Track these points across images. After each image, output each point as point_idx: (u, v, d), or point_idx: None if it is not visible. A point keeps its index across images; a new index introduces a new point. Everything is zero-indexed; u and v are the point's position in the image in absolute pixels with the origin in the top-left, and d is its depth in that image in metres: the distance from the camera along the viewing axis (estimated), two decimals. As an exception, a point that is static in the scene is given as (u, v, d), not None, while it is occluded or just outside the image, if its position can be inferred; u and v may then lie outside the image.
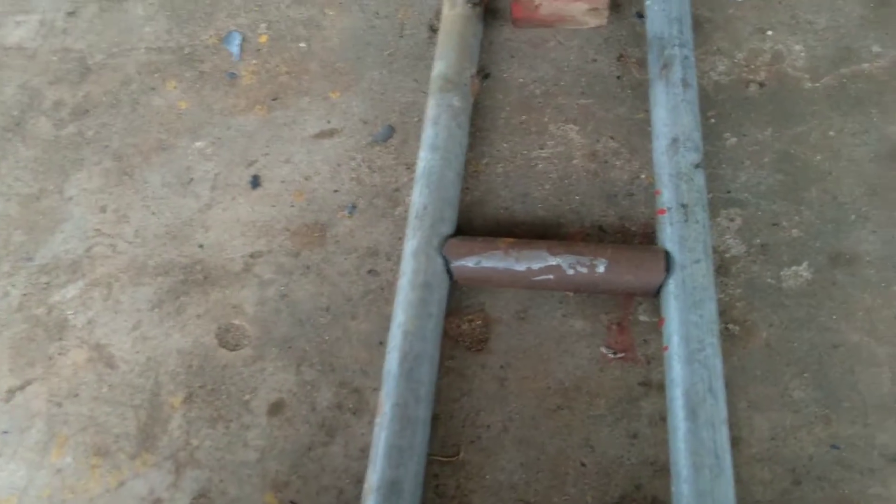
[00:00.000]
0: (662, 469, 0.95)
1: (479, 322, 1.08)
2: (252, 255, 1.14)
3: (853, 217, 1.08)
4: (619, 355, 1.04)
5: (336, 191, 1.18)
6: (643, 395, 1.01)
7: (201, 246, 1.15)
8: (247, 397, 1.03)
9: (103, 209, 1.20)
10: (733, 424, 0.97)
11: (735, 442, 0.96)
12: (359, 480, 0.96)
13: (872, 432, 0.97)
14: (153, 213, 1.18)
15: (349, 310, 1.09)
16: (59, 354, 1.09)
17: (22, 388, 1.07)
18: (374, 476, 0.92)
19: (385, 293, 1.09)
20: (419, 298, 1.02)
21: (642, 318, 1.06)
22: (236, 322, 1.08)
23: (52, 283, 1.15)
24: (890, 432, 0.97)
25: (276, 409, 1.02)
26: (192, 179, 1.21)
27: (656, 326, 1.05)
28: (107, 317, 1.11)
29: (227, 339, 1.07)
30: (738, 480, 0.93)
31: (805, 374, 1.01)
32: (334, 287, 1.10)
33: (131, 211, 1.18)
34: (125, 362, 1.06)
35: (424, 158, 1.11)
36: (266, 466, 0.98)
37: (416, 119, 1.22)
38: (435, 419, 1.01)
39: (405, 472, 0.92)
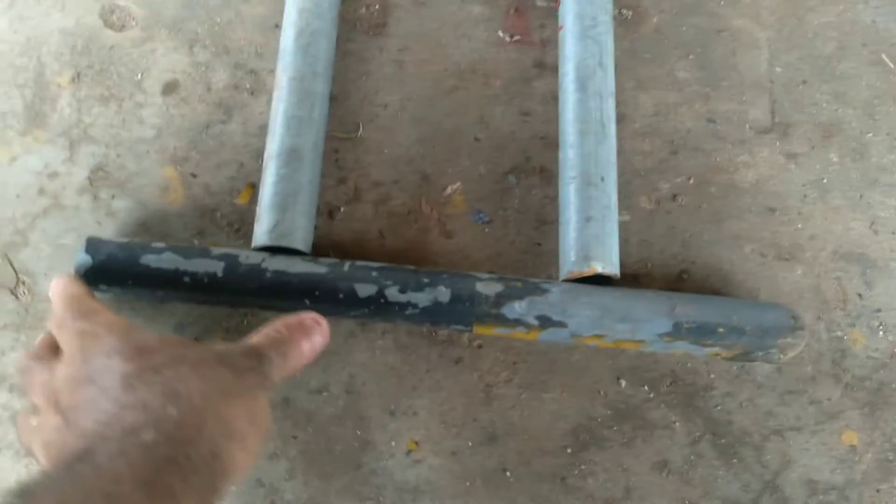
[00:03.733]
0: (551, 143, 1.00)
1: (378, 7, 1.06)
2: (132, -64, 1.06)
3: None
4: (516, 38, 1.05)
5: None
6: (537, 75, 1.04)
7: (75, -75, 1.06)
8: (138, 77, 1.00)
9: None
10: (620, 103, 1.02)
11: (620, 118, 1.01)
12: (258, 155, 0.97)
13: (746, 108, 1.04)
14: None
15: (241, -7, 1.04)
16: (-73, 33, 1.02)
17: None
18: (273, 145, 0.94)
19: (279, -22, 1.05)
20: (314, -23, 0.99)
21: (539, 2, 1.06)
22: (121, 3, 1.03)
23: None
24: (761, 108, 1.04)
25: (170, 88, 1.00)
26: None
27: (552, 11, 1.05)
28: (-25, -5, 1.03)
29: (112, 19, 1.02)
30: (621, 153, 0.99)
31: (690, 56, 1.05)
32: (223, -29, 1.05)
33: None
34: (2, 42, 1.00)
35: None
36: (164, 142, 0.97)
37: None
38: (333, 100, 1.01)
39: (304, 141, 0.94)
